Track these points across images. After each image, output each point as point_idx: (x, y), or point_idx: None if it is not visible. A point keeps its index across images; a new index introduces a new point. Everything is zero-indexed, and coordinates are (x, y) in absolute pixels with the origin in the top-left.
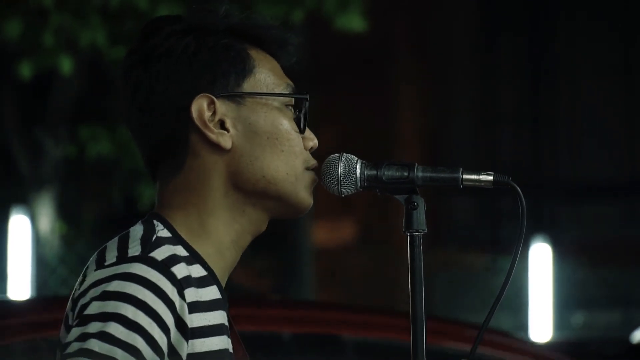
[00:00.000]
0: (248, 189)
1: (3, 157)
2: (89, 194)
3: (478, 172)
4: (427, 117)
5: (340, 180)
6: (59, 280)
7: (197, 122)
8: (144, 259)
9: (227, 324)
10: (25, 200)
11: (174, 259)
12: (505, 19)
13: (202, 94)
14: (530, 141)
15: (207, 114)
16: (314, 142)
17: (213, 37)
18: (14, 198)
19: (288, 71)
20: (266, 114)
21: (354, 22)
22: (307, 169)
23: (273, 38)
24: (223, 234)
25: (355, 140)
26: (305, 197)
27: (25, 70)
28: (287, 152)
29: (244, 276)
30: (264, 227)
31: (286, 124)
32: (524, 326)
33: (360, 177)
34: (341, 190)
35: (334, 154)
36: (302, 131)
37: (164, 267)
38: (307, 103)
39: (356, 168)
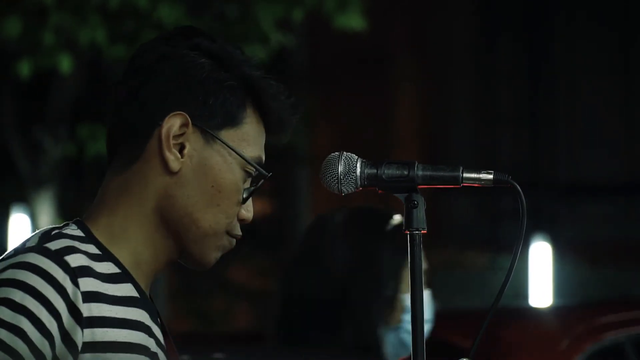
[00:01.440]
0: (173, 218)
1: (2, 156)
2: (89, 193)
3: (478, 171)
4: (427, 117)
5: (341, 178)
6: None
7: (162, 131)
8: (38, 248)
9: (148, 323)
10: (25, 199)
11: (70, 249)
12: (504, 19)
13: (183, 113)
14: (530, 141)
15: (175, 132)
16: (248, 215)
17: (226, 74)
18: (14, 197)
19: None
20: (225, 166)
21: (353, 21)
22: (228, 233)
23: (276, 114)
24: (142, 244)
25: (354, 139)
26: (212, 256)
27: (25, 69)
28: (220, 209)
29: (243, 276)
30: (168, 263)
31: (235, 185)
32: None
33: (361, 175)
34: (341, 189)
35: (333, 152)
36: (244, 201)
37: (56, 255)
38: (263, 182)
39: (356, 166)
